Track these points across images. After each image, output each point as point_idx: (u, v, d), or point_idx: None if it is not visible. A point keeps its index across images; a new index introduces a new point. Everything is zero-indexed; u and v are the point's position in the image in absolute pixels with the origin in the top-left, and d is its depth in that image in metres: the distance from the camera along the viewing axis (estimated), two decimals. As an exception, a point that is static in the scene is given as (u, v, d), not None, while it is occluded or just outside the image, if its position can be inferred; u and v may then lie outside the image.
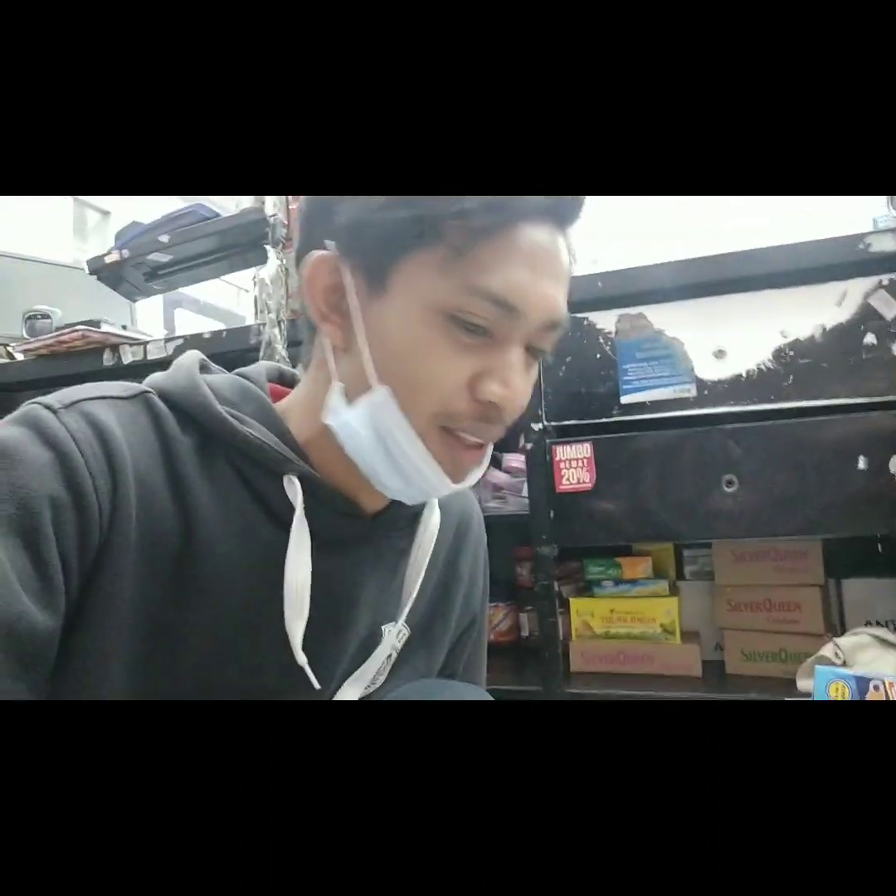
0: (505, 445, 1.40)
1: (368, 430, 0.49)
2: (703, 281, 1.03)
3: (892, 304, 0.95)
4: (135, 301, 1.52)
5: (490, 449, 0.53)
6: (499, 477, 1.29)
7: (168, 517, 0.47)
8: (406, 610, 0.57)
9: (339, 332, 0.51)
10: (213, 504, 0.49)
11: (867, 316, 0.96)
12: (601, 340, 1.09)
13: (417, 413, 0.48)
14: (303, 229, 0.53)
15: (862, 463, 0.96)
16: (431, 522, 0.59)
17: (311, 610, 0.50)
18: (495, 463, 1.36)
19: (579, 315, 1.10)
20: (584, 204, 0.49)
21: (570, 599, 1.26)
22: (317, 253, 0.50)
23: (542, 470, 1.11)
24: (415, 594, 0.57)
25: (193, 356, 0.55)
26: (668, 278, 1.05)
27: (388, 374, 0.48)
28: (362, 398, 0.49)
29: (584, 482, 1.08)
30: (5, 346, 1.48)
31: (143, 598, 0.46)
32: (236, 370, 0.58)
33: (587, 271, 1.10)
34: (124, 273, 1.36)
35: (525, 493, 1.17)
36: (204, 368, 0.56)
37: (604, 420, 1.09)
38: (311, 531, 0.50)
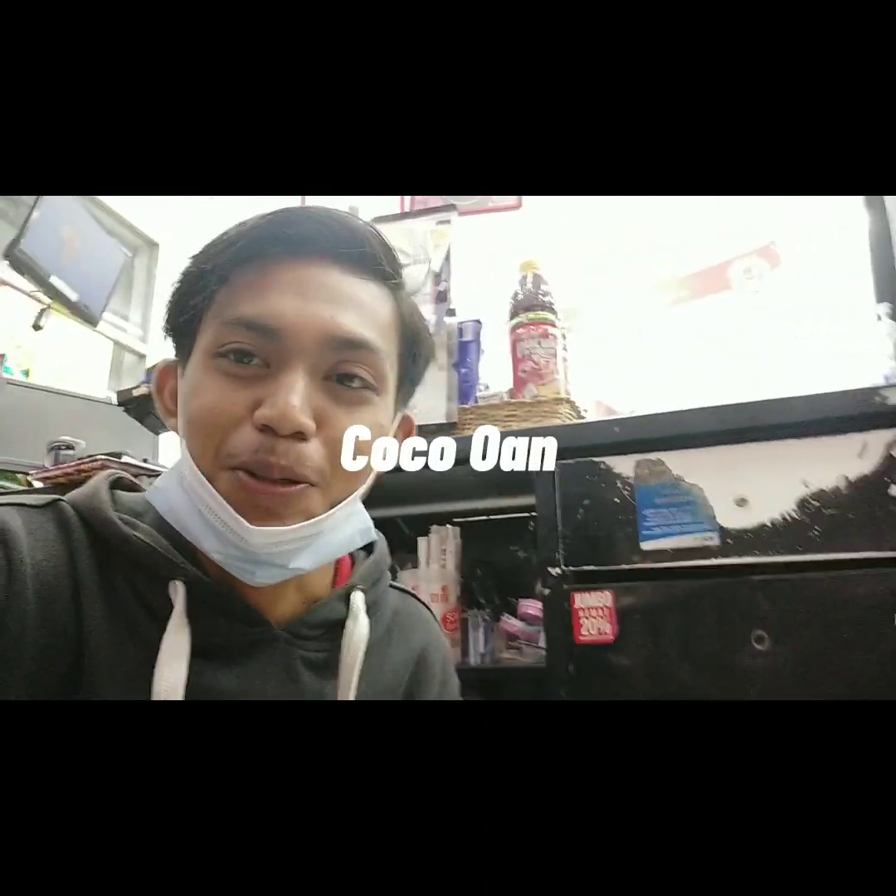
0: (519, 591, 1.35)
1: (175, 489, 0.51)
2: (722, 429, 1.03)
3: (916, 456, 0.94)
4: (158, 434, 1.55)
5: (313, 489, 0.50)
6: (513, 625, 1.23)
7: (66, 621, 0.47)
8: None
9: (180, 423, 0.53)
10: (106, 612, 0.48)
11: (891, 468, 0.95)
12: (619, 485, 1.08)
13: (203, 455, 0.49)
14: None
15: (899, 621, 0.90)
16: (357, 632, 0.54)
17: None
18: (509, 609, 1.30)
19: (596, 459, 1.09)
20: (367, 247, 0.51)
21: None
22: (161, 362, 0.57)
23: (560, 619, 1.05)
24: None
25: (108, 472, 0.57)
26: (685, 425, 1.05)
27: (183, 431, 0.51)
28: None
29: (605, 633, 1.02)
30: (25, 474, 1.49)
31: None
32: None
33: (604, 417, 1.11)
34: (150, 406, 1.40)
35: (542, 643, 1.11)
36: (132, 488, 0.58)
37: (625, 567, 1.05)
38: (197, 639, 0.48)
